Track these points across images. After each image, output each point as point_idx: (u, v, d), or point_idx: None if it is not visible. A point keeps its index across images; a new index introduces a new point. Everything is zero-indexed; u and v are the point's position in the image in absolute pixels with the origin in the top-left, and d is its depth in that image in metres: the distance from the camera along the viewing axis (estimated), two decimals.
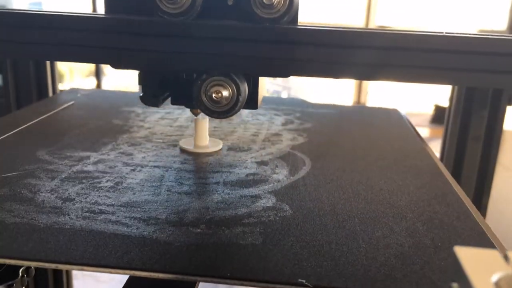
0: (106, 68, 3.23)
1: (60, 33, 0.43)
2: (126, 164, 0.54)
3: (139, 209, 0.43)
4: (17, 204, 0.43)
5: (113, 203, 0.44)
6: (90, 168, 0.52)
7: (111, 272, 0.35)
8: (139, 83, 0.49)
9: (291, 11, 0.41)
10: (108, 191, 0.47)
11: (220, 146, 0.61)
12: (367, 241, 0.39)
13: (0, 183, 0.47)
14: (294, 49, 0.41)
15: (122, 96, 0.88)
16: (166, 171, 0.53)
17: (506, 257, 0.21)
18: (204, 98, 0.44)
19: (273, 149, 0.62)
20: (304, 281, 0.34)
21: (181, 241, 0.38)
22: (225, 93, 0.43)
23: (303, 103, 0.88)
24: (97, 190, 0.47)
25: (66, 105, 0.78)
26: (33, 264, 0.36)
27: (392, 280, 0.34)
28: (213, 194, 0.47)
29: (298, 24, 0.42)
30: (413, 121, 0.85)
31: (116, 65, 0.45)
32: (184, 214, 0.43)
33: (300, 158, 0.59)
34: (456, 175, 0.84)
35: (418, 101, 3.16)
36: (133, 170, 0.52)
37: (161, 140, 0.63)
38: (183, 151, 0.59)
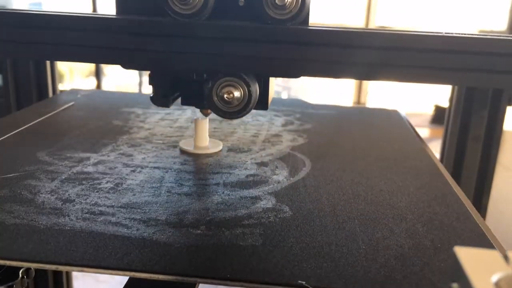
0: (106, 69, 3.23)
1: (71, 34, 0.43)
2: (126, 165, 0.54)
3: (139, 210, 0.43)
4: (17, 205, 0.43)
5: (113, 204, 0.44)
6: (90, 169, 0.52)
7: (111, 274, 0.35)
8: (150, 83, 0.50)
9: (303, 12, 0.41)
10: (108, 192, 0.47)
11: (220, 147, 0.61)
12: (367, 242, 0.39)
13: (0, 184, 0.47)
14: (306, 50, 0.41)
15: (122, 97, 0.89)
16: (166, 172, 0.53)
17: (506, 257, 0.21)
18: (215, 99, 0.44)
19: (273, 150, 0.62)
20: (304, 282, 0.34)
21: (181, 243, 0.38)
22: (237, 93, 0.44)
23: (303, 104, 0.88)
24: (97, 191, 0.47)
25: (66, 105, 0.78)
26: (33, 265, 0.36)
27: (392, 282, 0.34)
28: (213, 195, 0.47)
29: (309, 25, 0.42)
30: (413, 121, 0.85)
31: (127, 65, 0.45)
32: (184, 215, 0.43)
33: (300, 159, 0.59)
34: (456, 175, 0.84)
35: (418, 102, 3.16)
36: (133, 171, 0.52)
37: (161, 141, 0.63)
38: (183, 152, 0.59)
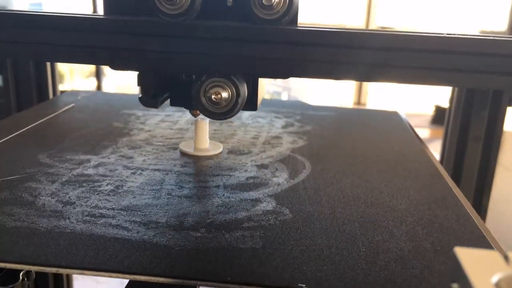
0: (107, 69, 3.23)
1: (58, 34, 0.43)
2: (126, 168, 0.54)
3: (139, 212, 0.43)
4: (17, 207, 0.43)
5: (113, 206, 0.44)
6: (91, 171, 0.52)
7: (111, 276, 0.35)
8: (138, 84, 0.49)
9: (291, 11, 0.41)
10: (108, 194, 0.47)
11: (221, 149, 0.61)
12: (367, 245, 0.39)
13: (1, 186, 0.48)
14: (293, 50, 0.41)
15: (122, 99, 0.89)
16: (167, 174, 0.53)
17: (506, 258, 0.21)
18: (203, 99, 0.44)
19: (273, 152, 0.62)
20: (304, 285, 0.34)
21: (181, 245, 0.38)
22: (225, 94, 0.43)
23: (303, 106, 0.88)
24: (97, 194, 0.47)
25: (66, 107, 0.78)
26: (33, 268, 0.36)
27: (392, 285, 0.34)
28: (213, 198, 0.47)
29: (298, 24, 0.42)
30: (414, 122, 0.85)
31: (115, 66, 0.45)
32: (184, 218, 0.43)
33: (300, 161, 0.59)
34: (456, 175, 0.84)
35: (418, 102, 3.16)
36: (134, 173, 0.53)
37: (161, 143, 0.63)
38: (183, 154, 0.59)
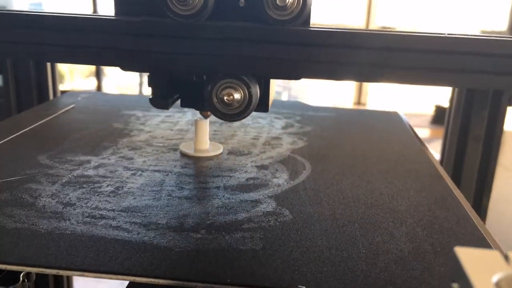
0: (107, 69, 3.23)
1: (69, 35, 0.43)
2: (126, 169, 0.54)
3: (139, 214, 0.43)
4: (18, 209, 0.43)
5: (113, 208, 0.44)
6: (91, 172, 0.53)
7: (111, 278, 0.35)
8: (149, 85, 0.49)
9: (304, 12, 0.41)
10: (108, 195, 0.47)
11: (221, 150, 0.61)
12: (367, 246, 0.39)
13: (1, 187, 0.48)
14: (307, 51, 0.41)
15: (122, 99, 0.89)
16: (167, 175, 0.53)
17: (506, 258, 0.21)
18: (215, 101, 0.44)
19: (273, 153, 0.62)
20: (304, 287, 0.34)
21: (182, 247, 0.38)
22: (237, 95, 0.43)
23: (303, 106, 0.88)
24: (97, 195, 0.47)
25: (66, 108, 0.78)
26: (34, 270, 0.36)
27: (392, 286, 0.34)
28: (213, 199, 0.47)
29: (311, 25, 0.42)
30: (414, 121, 0.85)
31: (126, 67, 0.44)
32: (185, 219, 0.43)
33: (300, 162, 0.59)
34: (457, 175, 0.84)
35: (418, 102, 3.16)
36: (134, 174, 0.53)
37: (161, 144, 0.63)
38: (183, 155, 0.59)
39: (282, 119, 0.78)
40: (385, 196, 0.50)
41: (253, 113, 0.78)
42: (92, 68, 3.15)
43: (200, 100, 0.48)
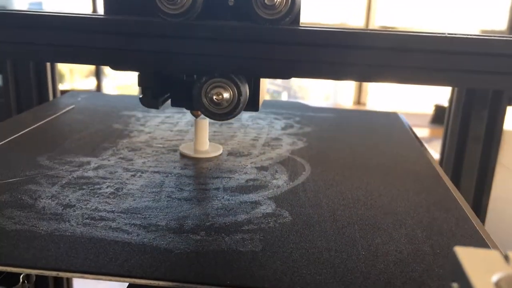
0: (107, 69, 3.22)
1: (58, 34, 0.43)
2: (126, 170, 0.54)
3: (139, 215, 0.43)
4: (18, 210, 0.43)
5: (113, 209, 0.44)
6: (91, 173, 0.53)
7: (111, 280, 0.35)
8: (139, 85, 0.49)
9: (293, 11, 0.41)
10: (108, 197, 0.47)
11: (220, 151, 0.61)
12: (367, 248, 0.40)
13: (1, 189, 0.48)
14: (295, 50, 0.41)
15: (122, 100, 0.89)
16: (166, 176, 0.53)
17: (506, 257, 0.21)
18: (204, 100, 0.44)
19: (273, 154, 0.62)
20: None
21: (181, 248, 0.38)
22: (226, 95, 0.43)
23: (303, 107, 0.88)
24: (97, 196, 0.47)
25: (66, 109, 0.78)
26: (34, 272, 0.36)
27: None
28: (213, 200, 0.47)
29: (300, 24, 0.42)
30: (413, 121, 0.85)
31: (116, 66, 0.44)
32: (184, 221, 0.43)
33: (300, 163, 0.59)
34: (456, 175, 0.84)
35: (418, 101, 3.15)
36: (133, 175, 0.53)
37: (161, 145, 0.63)
38: (183, 156, 0.60)
39: (281, 120, 0.78)
40: (384, 198, 0.50)
41: (253, 114, 0.78)
42: (92, 68, 3.14)
43: (190, 99, 0.48)
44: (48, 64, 0.89)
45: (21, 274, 0.45)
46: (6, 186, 0.48)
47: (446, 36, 0.40)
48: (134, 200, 0.47)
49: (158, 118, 0.76)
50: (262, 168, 0.56)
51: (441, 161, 0.87)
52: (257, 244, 0.39)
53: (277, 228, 0.42)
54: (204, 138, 0.60)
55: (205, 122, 0.59)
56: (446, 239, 0.42)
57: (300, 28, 0.41)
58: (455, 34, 0.40)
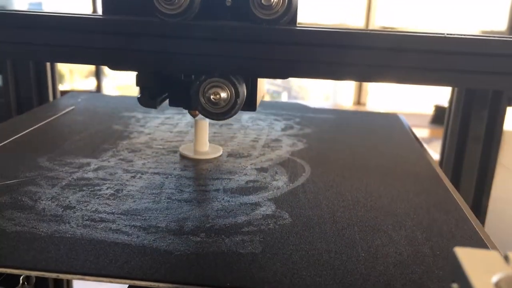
0: (107, 69, 3.22)
1: (57, 34, 0.43)
2: (126, 171, 0.54)
3: (139, 217, 0.43)
4: (18, 212, 0.43)
5: (113, 211, 0.44)
6: (91, 175, 0.53)
7: (111, 282, 0.35)
8: (137, 85, 0.49)
9: (290, 11, 0.41)
10: (108, 198, 0.47)
11: (220, 152, 0.61)
12: (366, 249, 0.40)
13: (1, 190, 0.48)
14: (292, 50, 0.41)
15: (122, 101, 0.89)
16: (166, 178, 0.53)
17: (506, 258, 0.21)
18: (202, 100, 0.44)
19: (273, 155, 0.62)
20: None
21: (181, 250, 0.38)
22: (223, 94, 0.43)
23: (303, 108, 0.88)
24: (97, 198, 0.47)
25: (66, 110, 0.78)
26: (34, 273, 0.36)
27: None
28: (213, 202, 0.47)
29: (297, 24, 0.42)
30: (413, 121, 0.85)
31: (114, 66, 0.44)
32: (184, 222, 0.43)
33: (300, 164, 0.59)
34: (456, 175, 0.84)
35: (418, 102, 3.15)
36: (133, 177, 0.53)
37: (161, 146, 0.63)
38: (183, 157, 0.60)
39: (281, 121, 0.78)
40: (384, 199, 0.50)
41: (253, 115, 0.78)
42: (92, 68, 3.14)
43: (188, 99, 0.48)
44: (48, 64, 0.89)
45: (21, 275, 0.46)
46: (6, 188, 0.48)
47: (445, 36, 0.40)
48: (134, 201, 0.47)
49: (158, 119, 0.76)
50: (262, 170, 0.56)
51: (441, 161, 0.87)
52: (257, 246, 0.39)
53: (277, 230, 0.42)
54: (204, 139, 0.60)
55: (205, 123, 0.59)
56: (446, 241, 0.42)
57: (297, 28, 0.41)
58: (454, 34, 0.40)
